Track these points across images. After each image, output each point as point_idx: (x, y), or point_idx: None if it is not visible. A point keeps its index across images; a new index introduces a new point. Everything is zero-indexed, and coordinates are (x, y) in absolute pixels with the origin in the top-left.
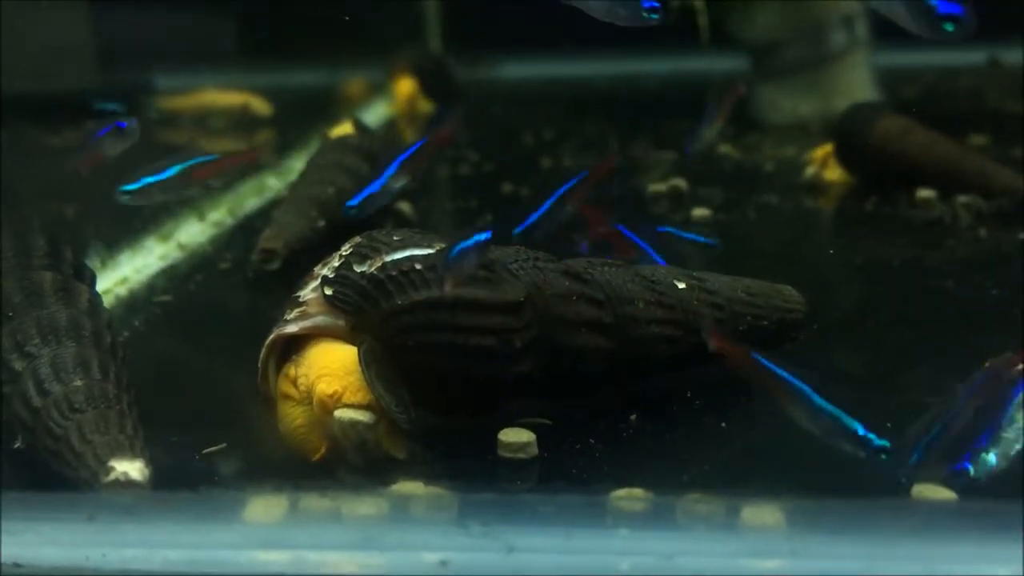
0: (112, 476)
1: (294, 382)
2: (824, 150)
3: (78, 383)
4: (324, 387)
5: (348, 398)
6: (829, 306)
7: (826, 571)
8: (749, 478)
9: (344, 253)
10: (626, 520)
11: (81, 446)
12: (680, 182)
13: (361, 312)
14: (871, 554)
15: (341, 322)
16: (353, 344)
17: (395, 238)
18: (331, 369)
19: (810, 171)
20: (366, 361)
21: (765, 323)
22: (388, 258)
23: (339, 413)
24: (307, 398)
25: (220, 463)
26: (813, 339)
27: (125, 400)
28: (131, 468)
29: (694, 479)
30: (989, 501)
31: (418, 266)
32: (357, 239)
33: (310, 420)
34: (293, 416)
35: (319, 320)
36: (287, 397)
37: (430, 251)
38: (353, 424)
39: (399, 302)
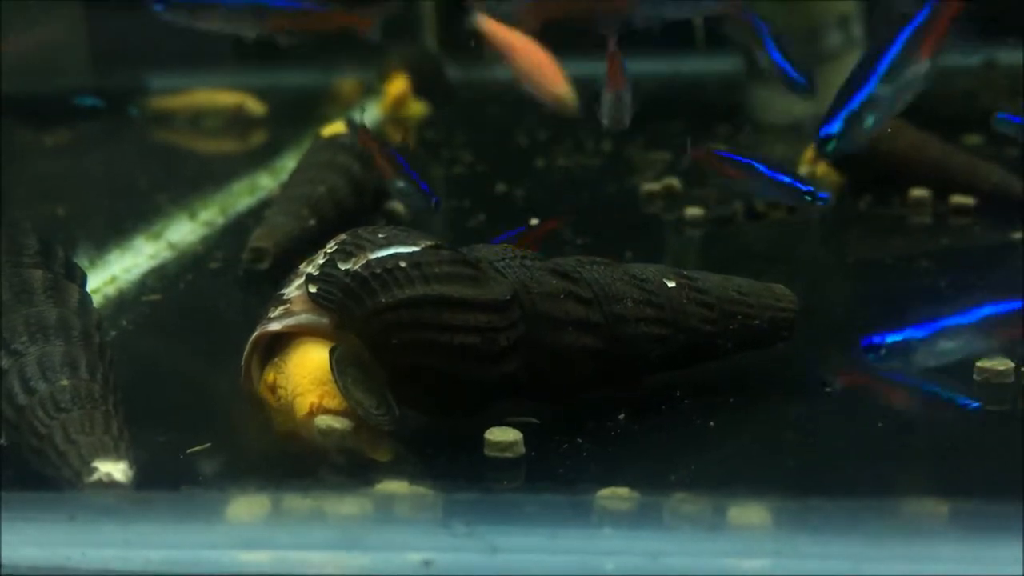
0: (95, 476)
1: (272, 389)
2: (812, 149)
3: (64, 382)
4: (301, 405)
5: (327, 403)
6: (822, 305)
7: (812, 571)
8: (736, 478)
9: (329, 251)
10: (611, 520)
11: (65, 445)
12: (674, 181)
13: (345, 310)
14: (857, 554)
15: (325, 320)
16: (338, 342)
17: (380, 236)
18: (305, 386)
19: (803, 170)
20: (339, 369)
21: (757, 322)
22: (373, 256)
23: (318, 420)
24: (286, 408)
25: (204, 462)
26: (805, 338)
27: (111, 401)
28: (115, 469)
29: (681, 479)
30: (976, 501)
31: (403, 264)
32: (342, 236)
33: (291, 429)
34: (274, 423)
35: (303, 318)
36: (266, 403)
37: (415, 249)
38: (331, 431)
39: (383, 300)
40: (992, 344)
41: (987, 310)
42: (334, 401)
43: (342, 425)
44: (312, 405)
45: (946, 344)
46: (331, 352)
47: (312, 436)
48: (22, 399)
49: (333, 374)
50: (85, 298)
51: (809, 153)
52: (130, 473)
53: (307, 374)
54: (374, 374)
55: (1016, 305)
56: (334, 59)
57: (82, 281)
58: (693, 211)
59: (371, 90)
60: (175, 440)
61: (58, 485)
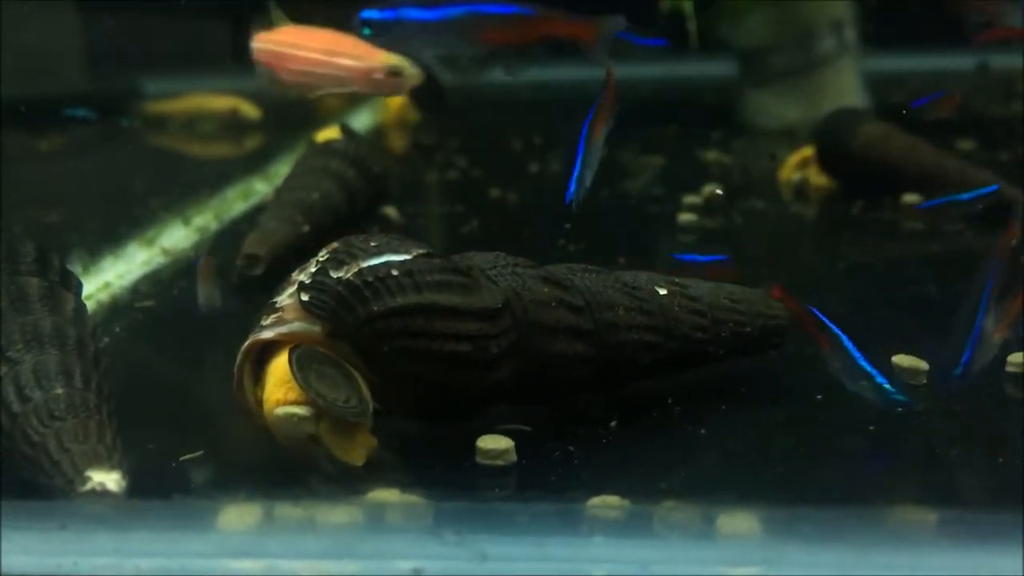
0: (88, 486)
1: (260, 403)
2: (800, 154)
3: (59, 391)
4: (270, 407)
5: (290, 397)
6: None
7: None
8: (726, 486)
9: (321, 259)
10: (601, 528)
11: (59, 454)
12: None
13: (337, 318)
14: (846, 562)
15: (317, 328)
16: (329, 350)
17: (372, 244)
18: (271, 390)
19: (796, 176)
20: (299, 364)
21: (748, 330)
22: (365, 264)
23: (278, 410)
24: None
25: (196, 470)
26: (797, 345)
27: (105, 410)
28: (108, 479)
29: (672, 487)
30: (965, 510)
31: (395, 272)
32: (334, 245)
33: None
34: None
35: (295, 326)
36: (256, 416)
37: (407, 257)
38: (289, 417)
39: (375, 308)
40: (477, 46)
41: (474, 8)
42: (295, 394)
43: (303, 411)
44: (277, 402)
45: (437, 33)
46: (291, 351)
47: (281, 431)
48: (16, 407)
49: (291, 368)
50: (80, 306)
51: (795, 158)
52: (123, 483)
53: (274, 378)
54: (346, 371)
55: (504, 9)
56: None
57: (77, 289)
58: (686, 216)
59: (362, 97)
60: (167, 447)
61: (51, 494)
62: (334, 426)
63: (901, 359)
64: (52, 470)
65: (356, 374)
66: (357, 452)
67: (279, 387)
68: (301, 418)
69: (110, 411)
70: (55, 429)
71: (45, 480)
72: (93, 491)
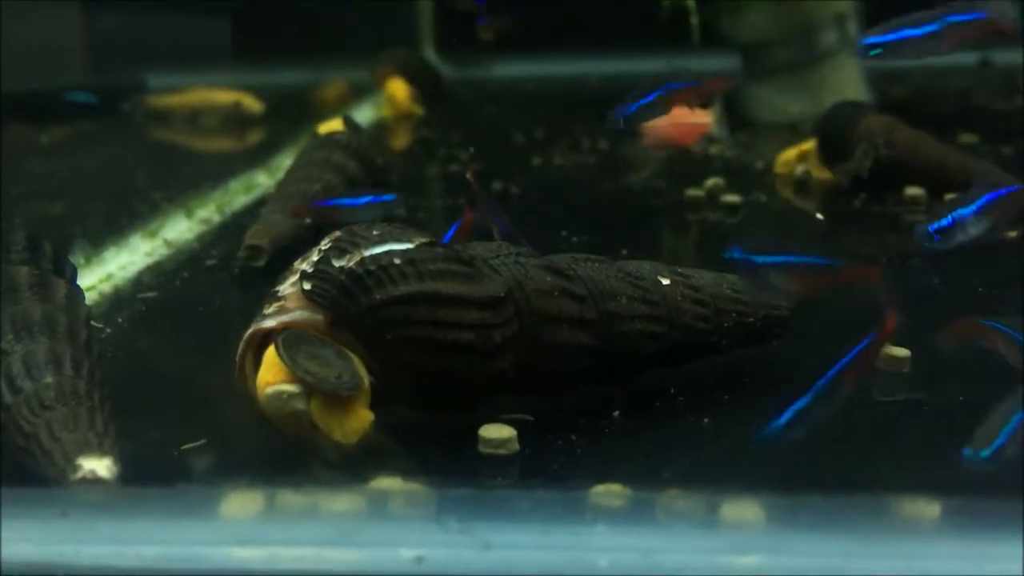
0: (79, 474)
1: None
2: (798, 148)
3: (49, 380)
4: (261, 389)
5: (279, 377)
6: (815, 302)
7: (805, 568)
8: (729, 474)
9: (324, 248)
10: (604, 516)
11: (50, 443)
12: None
13: (339, 307)
14: (850, 551)
15: (320, 317)
16: (331, 338)
17: (374, 232)
18: (262, 375)
19: (799, 169)
20: (286, 345)
21: (751, 320)
22: (367, 252)
23: (268, 389)
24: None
25: (198, 459)
26: (799, 336)
27: (97, 397)
28: (99, 466)
29: (675, 475)
30: (970, 499)
31: (397, 260)
32: (337, 234)
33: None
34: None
35: (297, 315)
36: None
37: (409, 246)
38: (278, 395)
39: (377, 296)
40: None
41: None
42: (284, 374)
43: (292, 388)
44: (267, 383)
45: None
46: (278, 333)
47: (272, 410)
48: (8, 398)
49: (277, 348)
50: (72, 293)
51: (791, 152)
52: (115, 469)
53: (267, 362)
54: (339, 350)
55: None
56: (328, 59)
57: (72, 275)
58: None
59: (363, 91)
60: (170, 436)
61: (45, 483)
62: (326, 404)
63: (894, 351)
64: (44, 460)
65: (350, 353)
66: (352, 430)
67: (270, 369)
68: (290, 395)
69: (102, 397)
70: (45, 419)
71: (39, 470)
72: (84, 479)
